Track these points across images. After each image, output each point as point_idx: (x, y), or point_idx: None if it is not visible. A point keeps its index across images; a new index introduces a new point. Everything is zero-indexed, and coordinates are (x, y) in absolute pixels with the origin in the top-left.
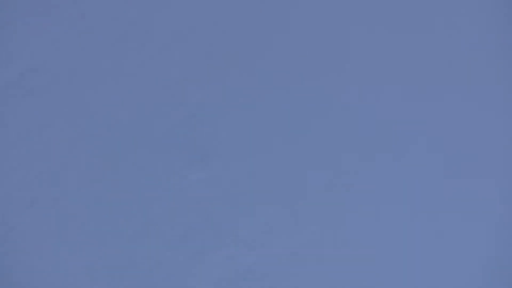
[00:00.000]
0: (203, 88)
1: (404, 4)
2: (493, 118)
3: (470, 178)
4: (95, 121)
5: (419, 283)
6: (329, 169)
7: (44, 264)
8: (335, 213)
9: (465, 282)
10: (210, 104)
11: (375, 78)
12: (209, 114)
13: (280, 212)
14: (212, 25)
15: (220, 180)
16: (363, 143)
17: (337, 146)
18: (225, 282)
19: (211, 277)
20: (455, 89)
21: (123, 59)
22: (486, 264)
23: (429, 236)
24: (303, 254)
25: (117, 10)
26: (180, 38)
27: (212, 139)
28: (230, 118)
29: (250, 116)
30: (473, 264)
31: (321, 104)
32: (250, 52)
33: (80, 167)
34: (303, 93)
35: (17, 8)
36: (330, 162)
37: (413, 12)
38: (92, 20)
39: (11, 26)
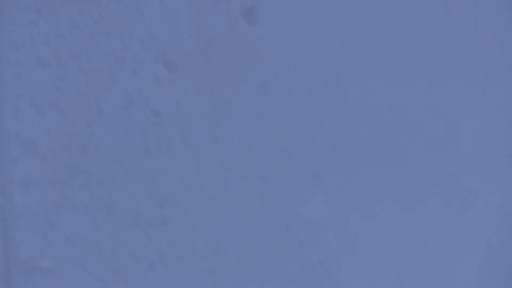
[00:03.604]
0: None
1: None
2: (495, 118)
3: (471, 178)
4: None
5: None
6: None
7: None
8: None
9: (464, 281)
10: None
11: (377, 77)
12: None
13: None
14: None
15: None
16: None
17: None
18: None
19: None
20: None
21: None
22: (486, 264)
23: (428, 237)
24: None
25: None
26: None
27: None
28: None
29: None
30: (472, 264)
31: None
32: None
33: None
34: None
35: None
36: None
37: (416, 11)
38: None
39: None
